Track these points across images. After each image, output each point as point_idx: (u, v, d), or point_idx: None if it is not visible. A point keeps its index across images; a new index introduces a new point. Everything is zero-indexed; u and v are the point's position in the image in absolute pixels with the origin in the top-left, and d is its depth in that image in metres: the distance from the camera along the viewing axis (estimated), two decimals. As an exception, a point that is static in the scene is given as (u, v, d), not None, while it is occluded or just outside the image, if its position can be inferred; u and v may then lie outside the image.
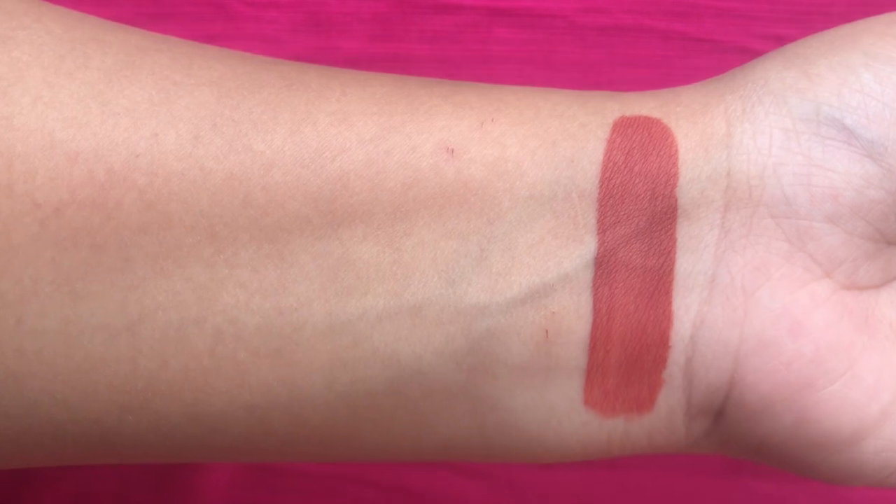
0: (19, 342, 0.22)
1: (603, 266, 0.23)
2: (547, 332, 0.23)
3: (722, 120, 0.24)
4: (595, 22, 0.36)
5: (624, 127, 0.24)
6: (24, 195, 0.21)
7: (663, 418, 0.24)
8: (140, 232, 0.22)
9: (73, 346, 0.22)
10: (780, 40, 0.36)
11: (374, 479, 0.38)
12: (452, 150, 0.23)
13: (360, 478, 0.38)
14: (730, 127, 0.23)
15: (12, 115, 0.21)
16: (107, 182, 0.21)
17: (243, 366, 0.22)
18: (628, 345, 0.23)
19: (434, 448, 0.25)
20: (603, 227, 0.23)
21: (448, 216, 0.23)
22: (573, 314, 0.23)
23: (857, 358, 0.24)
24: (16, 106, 0.21)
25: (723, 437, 0.25)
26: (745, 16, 0.36)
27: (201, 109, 0.22)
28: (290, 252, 0.22)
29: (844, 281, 0.24)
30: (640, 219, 0.23)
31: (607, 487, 0.38)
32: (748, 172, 0.23)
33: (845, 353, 0.23)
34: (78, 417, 0.22)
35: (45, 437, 0.23)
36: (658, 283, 0.23)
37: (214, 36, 0.36)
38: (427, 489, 0.38)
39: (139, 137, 0.22)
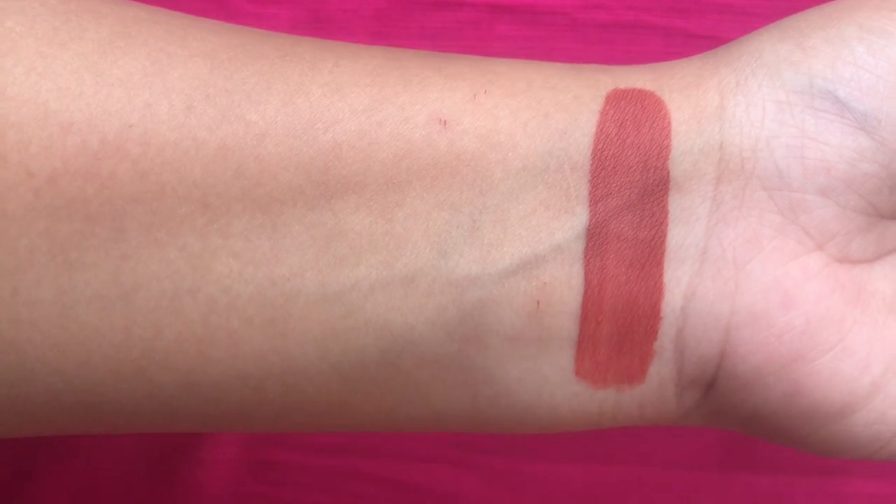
0: (15, 312, 0.22)
1: (594, 237, 0.23)
2: (538, 302, 0.23)
3: (715, 93, 0.24)
4: (596, 19, 0.36)
5: (617, 99, 0.24)
6: (18, 165, 0.21)
7: (654, 389, 0.24)
8: (133, 202, 0.22)
9: (68, 316, 0.22)
10: (781, 36, 0.36)
11: (373, 473, 0.38)
12: (445, 122, 0.23)
13: (359, 472, 0.38)
14: (723, 99, 0.24)
15: (5, 85, 0.21)
16: (100, 152, 0.22)
17: (237, 335, 0.23)
18: (619, 316, 0.23)
19: (427, 418, 0.25)
20: (595, 199, 0.23)
21: (440, 187, 0.23)
22: (565, 285, 0.23)
23: (848, 331, 0.24)
24: (9, 76, 0.21)
25: (714, 408, 0.25)
26: (745, 12, 0.36)
27: (194, 80, 0.22)
28: (282, 222, 0.22)
29: (837, 254, 0.24)
30: (631, 190, 0.23)
31: (606, 481, 0.38)
32: (741, 145, 0.23)
33: (836, 326, 0.23)
34: (73, 386, 0.23)
35: (41, 405, 0.23)
36: (649, 254, 0.23)
37: (215, 32, 0.37)
38: (427, 484, 0.38)
39: (132, 108, 0.22)
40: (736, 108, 0.23)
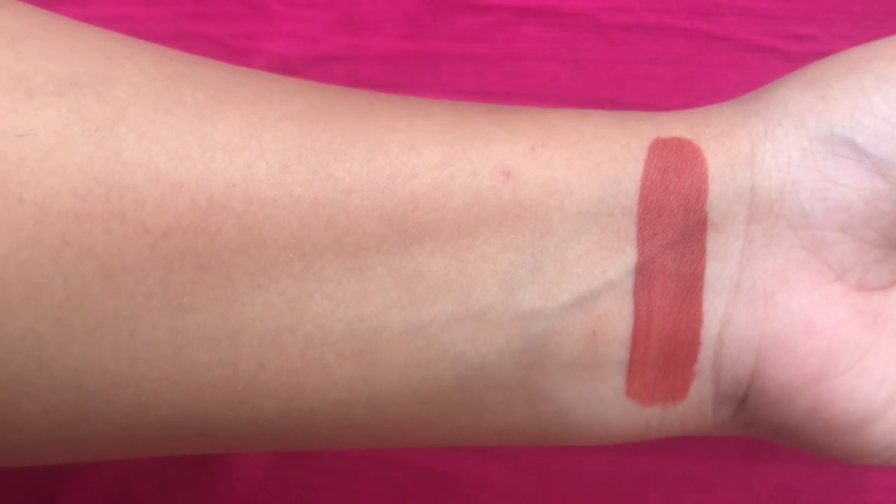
0: (134, 351, 0.24)
1: (642, 273, 0.25)
2: (594, 332, 0.25)
3: (746, 141, 0.26)
4: (620, 21, 0.37)
5: (659, 148, 0.26)
6: (135, 222, 0.23)
7: (695, 405, 0.27)
8: (239, 252, 0.24)
9: (181, 354, 0.24)
10: (799, 39, 0.36)
11: (403, 461, 0.39)
12: (508, 173, 0.25)
13: (389, 460, 0.39)
14: (753, 147, 0.26)
15: (120, 151, 0.23)
16: (208, 209, 0.24)
17: (330, 366, 0.25)
18: (665, 342, 0.26)
19: (495, 434, 0.27)
20: (642, 239, 0.25)
21: (505, 231, 0.25)
22: (617, 316, 0.25)
23: (865, 352, 0.26)
24: (122, 142, 0.23)
25: (746, 420, 0.27)
26: (765, 14, 0.37)
27: (286, 142, 0.24)
28: (368, 266, 0.24)
29: (855, 283, 0.26)
30: (674, 231, 0.25)
31: (631, 472, 0.39)
32: (769, 188, 0.25)
33: (855, 348, 0.26)
34: (184, 415, 0.25)
35: (154, 432, 0.25)
36: (690, 287, 0.26)
37: (251, 35, 0.37)
38: (455, 471, 0.39)
39: (234, 168, 0.24)
40: (765, 155, 0.25)
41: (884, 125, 0.25)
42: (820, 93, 0.26)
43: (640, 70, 0.38)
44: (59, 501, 0.39)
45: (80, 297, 0.23)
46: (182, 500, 0.39)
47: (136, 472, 0.39)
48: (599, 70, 0.38)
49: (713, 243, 0.26)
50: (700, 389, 0.26)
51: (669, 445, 0.38)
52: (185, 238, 0.23)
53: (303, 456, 0.39)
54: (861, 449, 0.26)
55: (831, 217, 0.25)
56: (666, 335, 0.26)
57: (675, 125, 0.26)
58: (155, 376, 0.24)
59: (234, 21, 0.37)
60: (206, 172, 0.24)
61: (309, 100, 0.26)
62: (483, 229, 0.25)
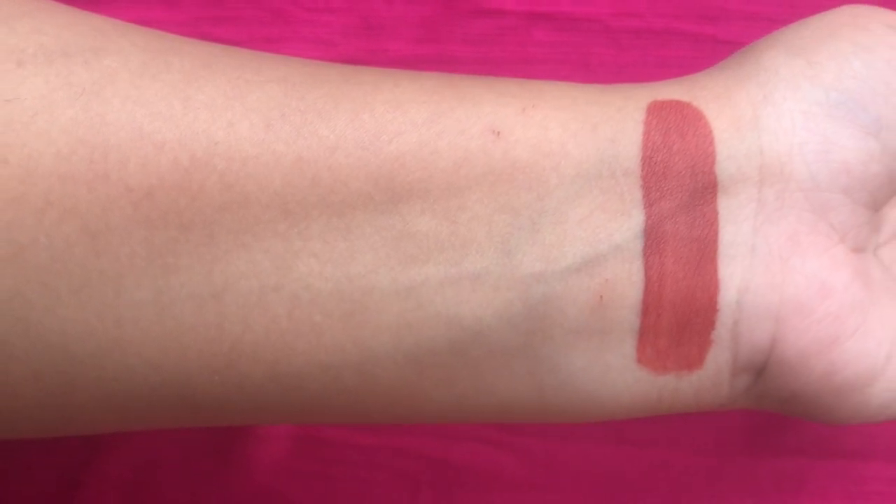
0: (119, 313, 0.23)
1: (652, 237, 0.25)
2: (601, 297, 0.25)
3: (747, 104, 0.25)
4: (629, 25, 0.38)
5: (658, 109, 0.25)
6: (118, 181, 0.23)
7: (711, 375, 0.26)
8: (222, 210, 0.24)
9: (166, 315, 0.24)
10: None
11: (417, 451, 0.39)
12: (498, 133, 0.25)
13: (404, 450, 0.39)
14: (755, 111, 0.25)
15: (105, 113, 0.23)
16: (191, 167, 0.23)
17: (318, 327, 0.24)
18: (679, 309, 0.25)
19: (494, 407, 0.26)
20: (649, 202, 0.25)
21: (499, 192, 0.24)
22: (626, 281, 0.25)
23: (867, 313, 0.26)
24: (108, 105, 0.23)
25: (760, 392, 0.27)
26: (770, 19, 0.37)
27: (271, 102, 0.24)
28: (356, 225, 0.24)
29: (852, 245, 0.26)
30: (682, 193, 0.25)
31: (637, 464, 0.39)
32: (778, 151, 0.25)
33: (860, 310, 0.26)
34: (170, 380, 0.24)
35: (141, 399, 0.25)
36: (704, 252, 0.25)
37: (271, 39, 0.37)
38: (468, 462, 0.39)
39: (217, 127, 0.24)
40: (769, 119, 0.25)
41: (868, 88, 0.25)
42: (807, 59, 0.26)
43: (649, 73, 0.38)
44: (81, 487, 0.39)
45: (65, 257, 0.23)
46: (202, 486, 0.39)
47: (157, 460, 0.39)
48: (609, 73, 0.38)
49: (725, 207, 0.25)
50: (717, 359, 0.26)
51: (676, 438, 0.39)
52: (168, 196, 0.23)
53: (321, 446, 0.39)
54: (862, 407, 0.26)
55: (834, 179, 0.25)
56: (680, 301, 0.25)
57: (669, 89, 0.26)
58: (140, 339, 0.24)
59: (254, 25, 0.37)
60: (189, 131, 0.24)
61: (295, 67, 0.26)
62: (475, 189, 0.24)
